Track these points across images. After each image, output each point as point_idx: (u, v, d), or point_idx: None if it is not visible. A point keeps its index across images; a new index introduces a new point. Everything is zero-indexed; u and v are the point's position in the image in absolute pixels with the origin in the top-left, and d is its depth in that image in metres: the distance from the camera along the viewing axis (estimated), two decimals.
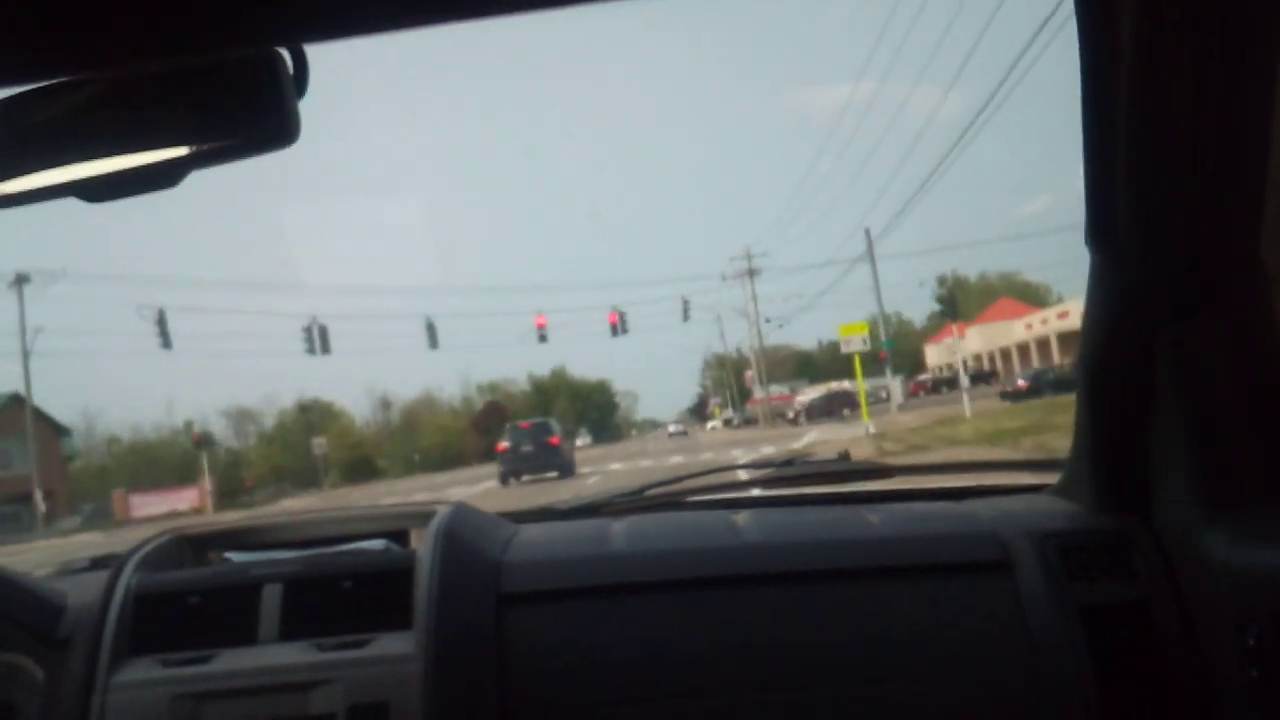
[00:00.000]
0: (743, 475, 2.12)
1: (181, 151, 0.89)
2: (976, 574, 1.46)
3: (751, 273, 51.40)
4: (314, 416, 72.94)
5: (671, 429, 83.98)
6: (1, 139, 0.90)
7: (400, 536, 1.68)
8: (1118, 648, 1.37)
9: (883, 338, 43.68)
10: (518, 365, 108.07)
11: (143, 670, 1.41)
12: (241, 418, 75.80)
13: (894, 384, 43.58)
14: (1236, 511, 1.26)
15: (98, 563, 1.81)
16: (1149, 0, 1.05)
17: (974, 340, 67.12)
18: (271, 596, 1.47)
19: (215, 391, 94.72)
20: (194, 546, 1.67)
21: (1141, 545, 1.42)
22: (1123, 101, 1.13)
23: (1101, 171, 1.21)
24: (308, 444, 68.34)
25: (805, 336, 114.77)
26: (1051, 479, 1.69)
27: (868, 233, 44.48)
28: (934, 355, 78.42)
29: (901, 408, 42.28)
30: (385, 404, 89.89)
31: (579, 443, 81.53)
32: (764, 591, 1.47)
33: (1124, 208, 1.21)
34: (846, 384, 68.65)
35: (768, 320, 52.44)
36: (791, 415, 50.62)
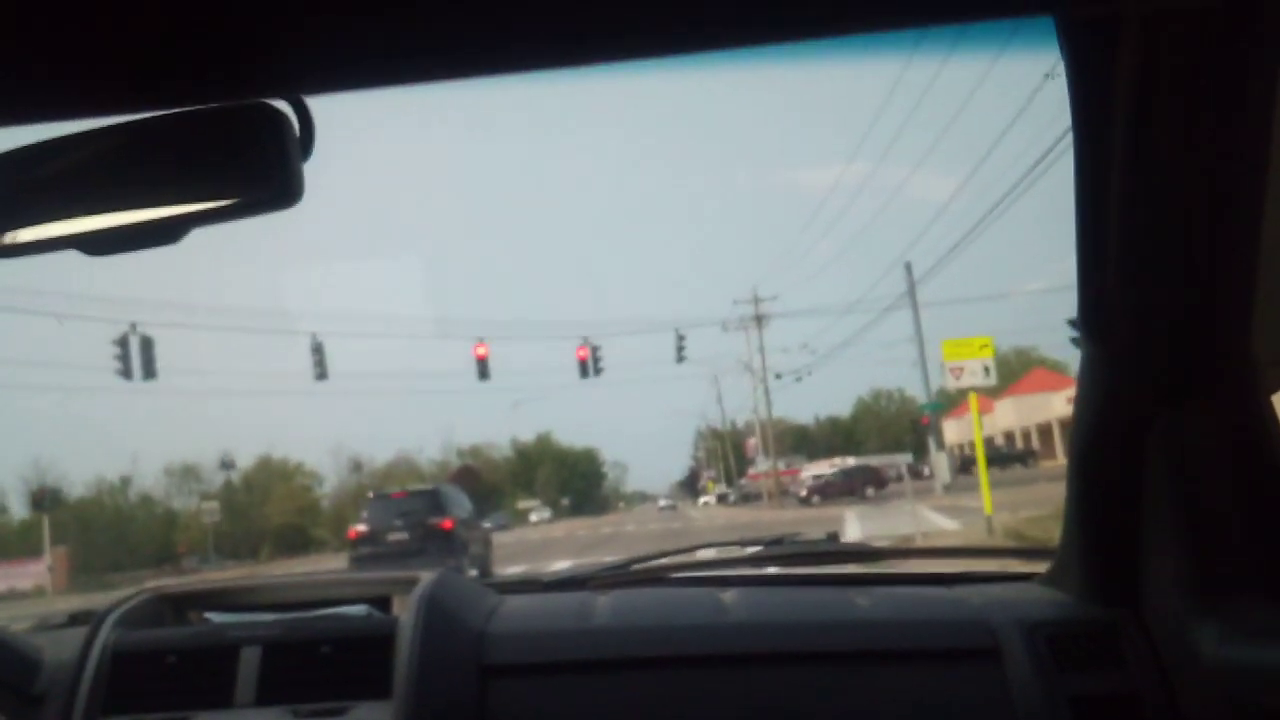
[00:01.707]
0: (730, 553, 1.99)
1: (185, 209, 0.89)
2: (965, 661, 1.41)
3: (759, 319, 41.30)
4: (260, 477, 62.11)
5: (661, 503, 75.46)
6: (7, 191, 0.90)
7: (383, 603, 1.61)
8: None
9: (926, 398, 33.93)
10: (503, 431, 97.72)
11: None
12: (185, 475, 64.98)
13: (940, 459, 33.09)
14: (1227, 605, 1.23)
15: (76, 619, 1.72)
16: (1143, 100, 1.05)
17: (1006, 414, 57.41)
18: (250, 659, 1.42)
19: (161, 445, 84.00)
20: (174, 605, 1.61)
21: (1131, 637, 1.37)
22: (1114, 195, 1.12)
23: (1094, 262, 1.19)
24: (254, 507, 58.37)
25: (800, 410, 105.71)
26: (1040, 567, 1.64)
27: (908, 268, 34.35)
28: (955, 432, 68.19)
29: (950, 489, 31.58)
30: (356, 465, 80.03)
31: (535, 518, 72.52)
32: (749, 671, 1.42)
33: (1115, 299, 1.20)
34: (862, 459, 59.73)
35: (778, 376, 42.17)
36: (804, 494, 40.34)
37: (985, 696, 1.38)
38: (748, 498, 57.36)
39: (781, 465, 48.53)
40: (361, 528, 17.04)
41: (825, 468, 61.37)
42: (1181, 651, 1.28)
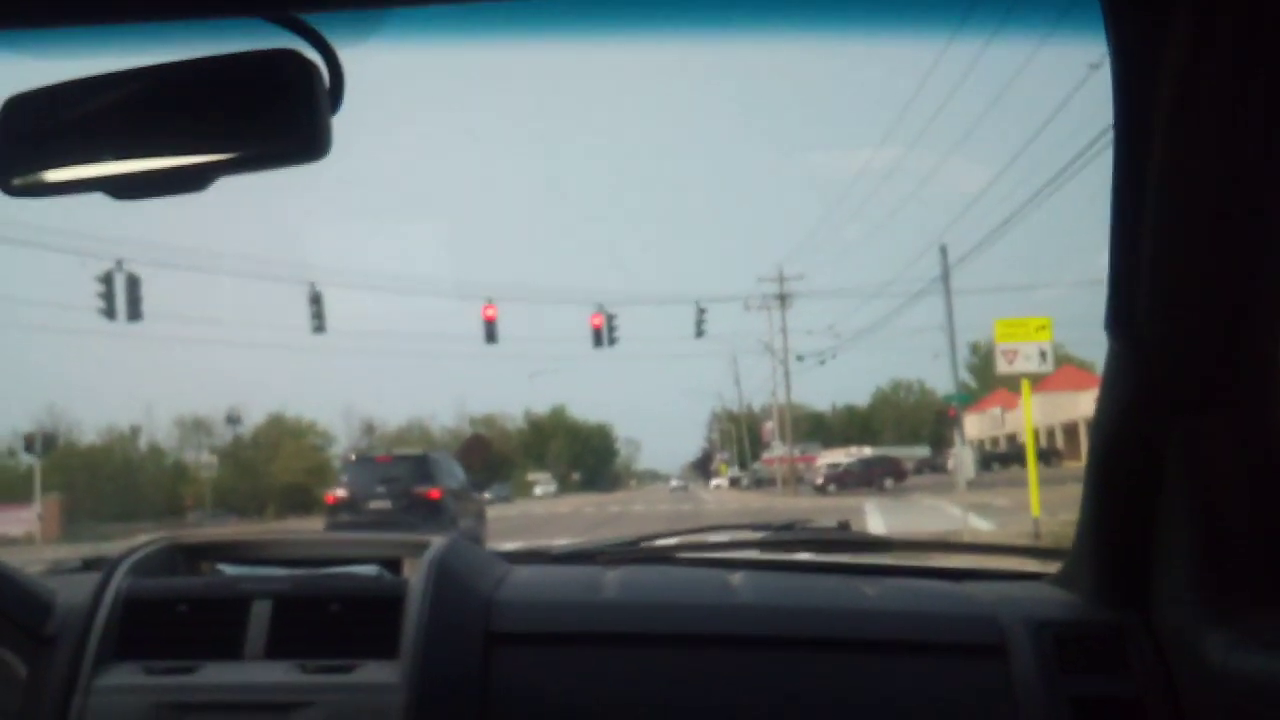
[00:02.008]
0: (739, 536, 1.99)
1: (213, 157, 0.89)
2: (970, 656, 1.42)
3: (783, 298, 39.77)
4: (272, 435, 61.15)
5: (673, 483, 74.46)
6: (37, 130, 0.90)
7: (394, 564, 1.62)
8: None
9: (953, 388, 32.40)
10: (517, 401, 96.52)
11: (126, 675, 1.38)
12: (196, 428, 64.19)
13: (965, 454, 31.62)
14: (1237, 614, 1.22)
15: (90, 564, 1.75)
16: (1187, 94, 1.04)
17: (1032, 411, 55.31)
18: (260, 612, 1.43)
19: (175, 396, 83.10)
20: (187, 555, 1.63)
21: (1138, 641, 1.37)
22: (1151, 195, 1.11)
23: (1126, 262, 1.18)
24: (261, 464, 57.44)
25: (817, 396, 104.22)
26: (1051, 567, 1.65)
27: (943, 251, 32.77)
28: (976, 426, 66.68)
29: (973, 485, 30.07)
30: (369, 429, 79.24)
31: (540, 491, 71.34)
32: (753, 654, 1.43)
33: (1145, 297, 1.19)
34: (878, 450, 58.25)
35: (799, 358, 40.65)
36: (820, 482, 39.00)
37: (988, 692, 1.38)
38: (761, 482, 56.17)
39: (796, 452, 47.06)
40: (340, 493, 15.53)
41: (841, 456, 60.11)
42: (1189, 658, 1.28)
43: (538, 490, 69.80)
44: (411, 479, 14.94)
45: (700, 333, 28.34)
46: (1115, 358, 1.30)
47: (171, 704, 1.36)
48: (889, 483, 38.18)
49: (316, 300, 23.12)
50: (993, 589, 1.58)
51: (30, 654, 1.40)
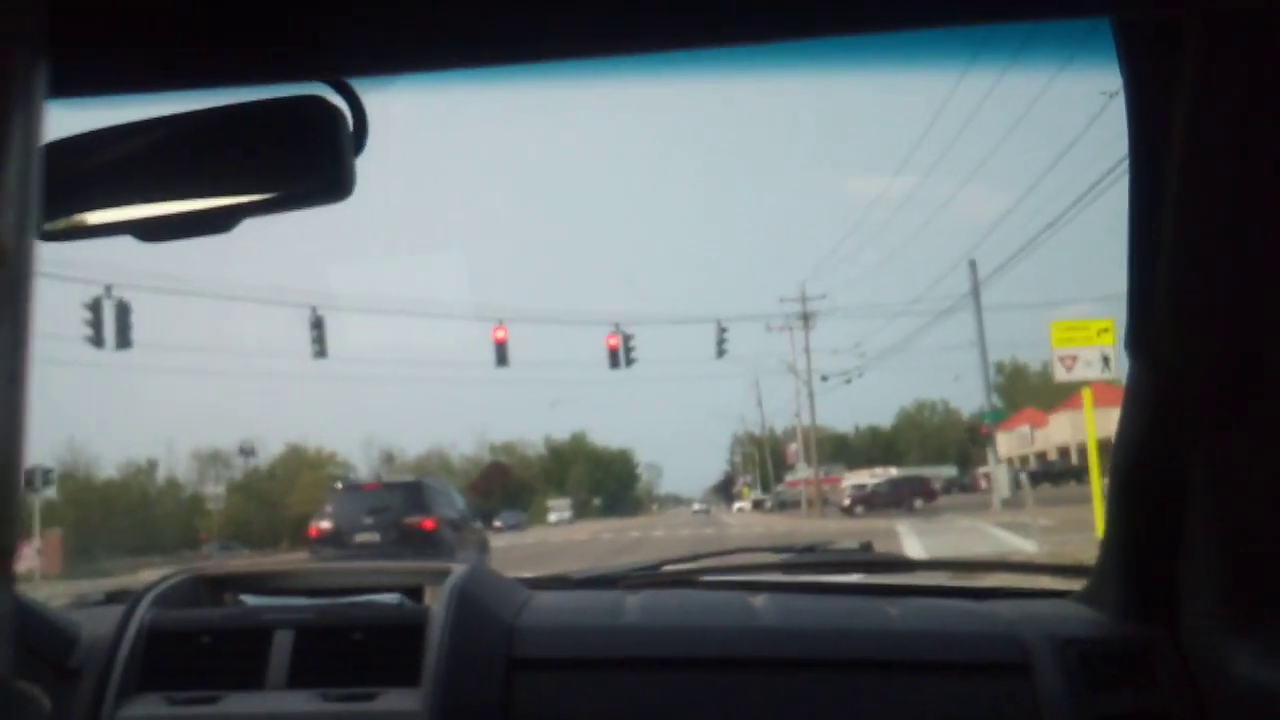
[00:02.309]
0: (761, 558, 2.02)
1: (238, 199, 0.91)
2: (995, 675, 1.40)
3: (806, 317, 38.52)
4: (290, 466, 60.26)
5: (695, 507, 73.31)
6: (65, 177, 0.92)
7: (415, 593, 1.62)
8: None
9: (984, 406, 31.19)
10: (538, 428, 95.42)
11: (149, 706, 1.38)
12: (213, 461, 63.33)
13: (1000, 472, 30.23)
14: (1264, 628, 1.22)
15: (113, 597, 1.76)
16: (1202, 111, 1.04)
17: (1061, 429, 54.25)
18: (282, 642, 1.43)
19: (194, 429, 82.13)
20: (210, 587, 1.63)
21: (1165, 656, 1.36)
22: (1169, 213, 1.11)
23: (1144, 279, 1.18)
24: (277, 495, 56.50)
25: (840, 418, 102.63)
26: (1076, 585, 1.63)
27: (973, 266, 31.66)
28: (1005, 445, 65.11)
29: (1008, 505, 28.73)
30: (388, 458, 78.30)
31: (554, 518, 69.50)
32: (777, 677, 1.42)
33: (1164, 316, 1.18)
34: (904, 470, 56.82)
35: (824, 379, 39.30)
36: (846, 503, 37.61)
37: (1014, 711, 1.36)
38: (784, 505, 54.82)
39: (821, 473, 45.68)
40: (324, 524, 13.92)
41: (865, 477, 58.76)
42: (1216, 673, 1.27)
43: (552, 517, 68.01)
44: (403, 508, 13.44)
45: (721, 352, 27.07)
46: (1136, 376, 1.29)
47: None
48: (918, 503, 36.76)
49: (318, 325, 22.18)
50: (1017, 607, 1.56)
51: (55, 687, 1.39)
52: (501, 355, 22.05)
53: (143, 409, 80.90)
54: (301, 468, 60.56)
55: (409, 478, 16.57)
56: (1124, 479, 1.36)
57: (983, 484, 48.41)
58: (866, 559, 1.90)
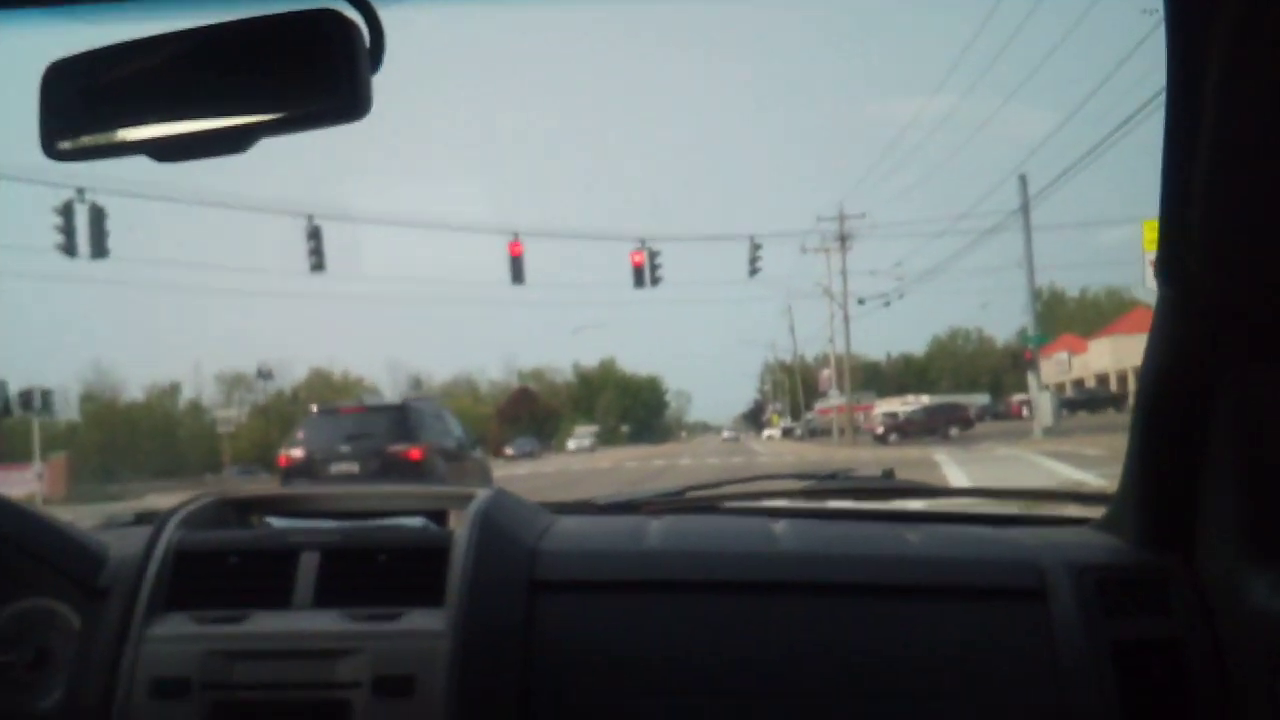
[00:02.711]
0: (783, 485, 2.03)
1: (254, 118, 0.90)
2: (1012, 600, 1.41)
3: (843, 239, 36.68)
4: (314, 390, 59.59)
5: (725, 434, 72.35)
6: (80, 95, 0.92)
7: (439, 517, 1.64)
8: (1147, 684, 1.32)
9: (1032, 330, 29.59)
10: (566, 355, 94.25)
11: (177, 625, 1.39)
12: (236, 384, 62.84)
13: (1043, 399, 28.63)
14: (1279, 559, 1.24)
15: (141, 518, 1.80)
16: (1240, 39, 1.02)
17: (1101, 355, 52.48)
18: (308, 563, 1.44)
19: (221, 352, 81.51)
20: (237, 509, 1.66)
21: (1180, 584, 1.37)
22: (1206, 129, 1.07)
23: (1178, 207, 1.15)
24: (299, 419, 56.03)
25: (872, 346, 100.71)
26: (1096, 512, 1.65)
27: (1023, 181, 29.78)
28: (1043, 372, 63.22)
29: (1049, 432, 27.25)
30: (415, 382, 77.62)
31: (574, 445, 66.02)
32: (796, 600, 1.43)
33: (1198, 245, 1.15)
34: (936, 399, 55.22)
35: (860, 302, 37.57)
36: (880, 431, 36.24)
37: (1029, 636, 1.38)
38: (815, 433, 53.50)
39: (847, 402, 44.22)
40: (295, 452, 12.00)
41: (897, 405, 57.29)
42: (1231, 602, 1.28)
43: (571, 444, 65.67)
44: (387, 435, 11.62)
45: (754, 271, 25.17)
46: (1166, 304, 1.27)
47: (221, 652, 1.36)
48: (954, 431, 35.26)
49: (315, 235, 20.48)
50: (1036, 534, 1.59)
51: (83, 606, 1.42)
52: (517, 270, 20.42)
53: (168, 331, 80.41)
54: (325, 392, 59.81)
55: (392, 401, 14.31)
56: (1148, 407, 1.36)
57: (1023, 411, 46.88)
58: (888, 486, 1.93)
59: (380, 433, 11.76)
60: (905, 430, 35.98)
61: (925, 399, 56.83)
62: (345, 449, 11.79)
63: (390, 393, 75.18)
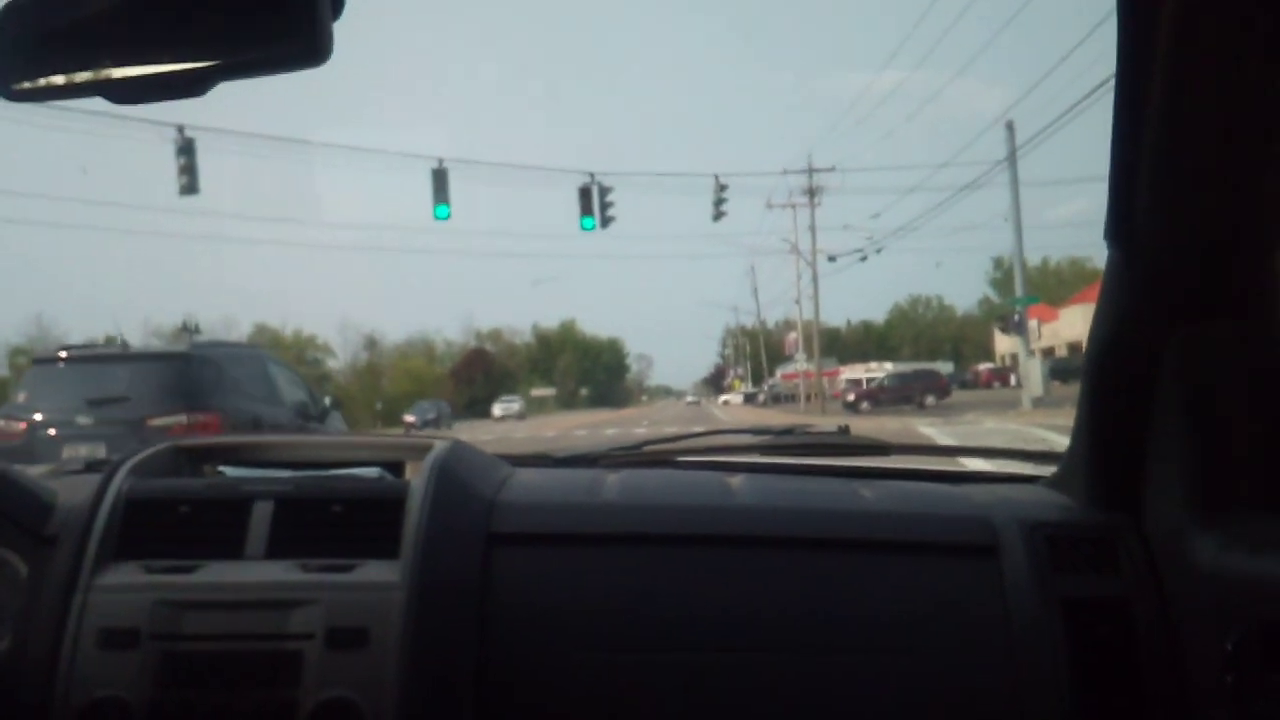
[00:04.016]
0: (741, 440, 2.01)
1: (212, 62, 0.88)
2: (963, 556, 1.41)
3: (812, 192, 33.18)
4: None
5: (689, 399, 69.56)
6: (34, 34, 0.90)
7: (396, 467, 1.60)
8: (1096, 641, 1.32)
9: (1017, 291, 26.44)
10: (527, 315, 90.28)
11: (127, 574, 1.34)
12: (176, 338, 58.52)
13: (1032, 366, 25.42)
14: (1228, 517, 1.23)
15: (92, 466, 1.72)
16: (1190, 2, 1.04)
17: (1073, 323, 49.38)
18: (261, 513, 1.40)
19: (156, 301, 76.39)
20: (190, 458, 1.61)
21: (1129, 543, 1.37)
22: (1155, 92, 1.09)
23: (1126, 164, 1.17)
24: None
25: (831, 312, 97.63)
26: (1047, 471, 1.65)
27: (1010, 128, 26.49)
28: (1006, 343, 60.49)
29: (1040, 403, 24.08)
30: (371, 342, 73.69)
31: (500, 411, 60.09)
32: (751, 554, 1.42)
33: (1145, 203, 1.18)
34: (900, 365, 52.48)
35: (831, 259, 34.17)
36: (851, 398, 33.17)
37: (980, 591, 1.38)
38: (779, 399, 50.50)
39: (809, 368, 41.02)
40: (11, 426, 7.85)
41: (861, 372, 54.41)
42: (1178, 560, 1.29)
43: (497, 410, 59.48)
44: (155, 399, 7.70)
45: (719, 215, 21.69)
46: (1114, 265, 1.29)
47: (172, 601, 1.32)
48: (930, 400, 32.16)
49: (187, 150, 16.36)
50: (989, 491, 1.58)
51: (31, 553, 1.38)
52: (440, 186, 16.38)
53: (109, 280, 75.40)
54: (274, 349, 55.82)
55: (164, 349, 9.70)
56: (1097, 368, 1.36)
57: (992, 381, 44.04)
58: (843, 442, 1.90)
59: (146, 395, 7.77)
60: (877, 398, 32.86)
61: (889, 366, 54.32)
62: (85, 420, 7.78)
63: (343, 355, 70.78)
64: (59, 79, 0.88)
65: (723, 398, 65.72)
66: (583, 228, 18.09)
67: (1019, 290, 26.42)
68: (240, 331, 60.47)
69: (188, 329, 41.67)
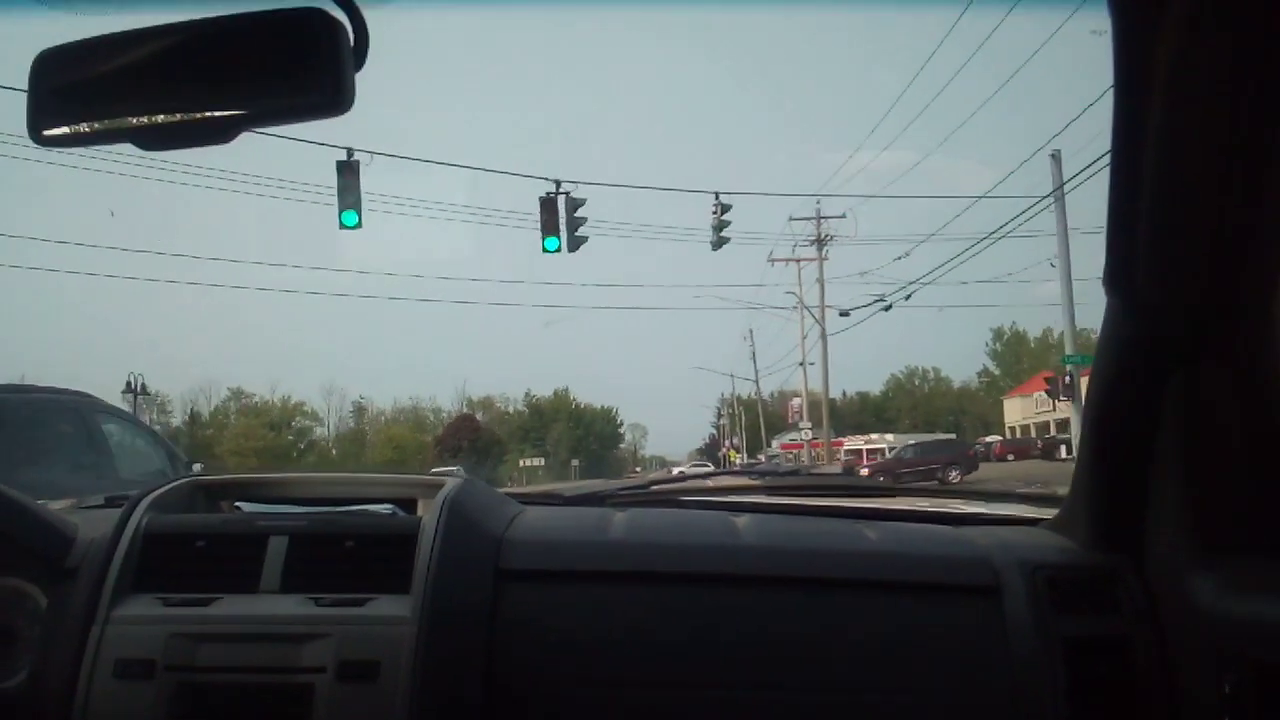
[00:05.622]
0: (746, 481, 2.03)
1: (239, 111, 0.89)
2: (966, 597, 1.40)
3: (821, 243, 28.81)
4: (231, 413, 50.78)
5: (694, 468, 64.87)
6: (69, 83, 0.91)
7: (408, 504, 1.59)
8: (1097, 680, 1.31)
9: (1067, 350, 21.92)
10: (519, 384, 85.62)
11: (144, 607, 1.35)
12: (147, 403, 53.44)
13: None
14: (1226, 559, 1.22)
15: (112, 501, 1.71)
16: (1183, 53, 1.04)
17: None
18: (276, 548, 1.39)
19: (118, 368, 71.26)
20: (207, 494, 1.60)
21: (1129, 584, 1.36)
22: (1150, 148, 1.11)
23: (1124, 215, 1.18)
24: (213, 444, 46.99)
25: (818, 380, 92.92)
26: (1048, 513, 1.63)
27: (1055, 158, 21.84)
28: (1017, 410, 55.95)
29: None
30: (358, 410, 68.85)
31: None
32: (756, 593, 1.41)
33: (1143, 252, 1.18)
34: (902, 437, 47.97)
35: (843, 314, 29.62)
36: (865, 473, 28.16)
37: (983, 632, 1.35)
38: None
39: (813, 437, 36.27)
40: None
41: (860, 443, 49.80)
42: (1178, 601, 1.26)
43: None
44: None
45: (720, 241, 17.22)
46: (1114, 312, 1.28)
47: (187, 634, 1.31)
48: (954, 475, 27.18)
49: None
50: (990, 533, 1.55)
51: (51, 586, 1.37)
52: (348, 187, 11.80)
53: (96, 340, 70.37)
54: (241, 416, 50.86)
55: None
56: (1098, 413, 1.35)
57: (1007, 455, 39.38)
58: (847, 483, 1.94)
59: None
60: (894, 472, 27.92)
61: (889, 437, 49.85)
62: None
63: (331, 423, 65.71)
64: (90, 126, 0.88)
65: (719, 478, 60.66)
66: (545, 249, 13.58)
67: (1069, 349, 21.85)
68: (219, 396, 55.63)
69: (131, 389, 35.83)
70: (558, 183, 13.60)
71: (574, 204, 13.88)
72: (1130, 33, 1.04)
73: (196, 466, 8.71)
